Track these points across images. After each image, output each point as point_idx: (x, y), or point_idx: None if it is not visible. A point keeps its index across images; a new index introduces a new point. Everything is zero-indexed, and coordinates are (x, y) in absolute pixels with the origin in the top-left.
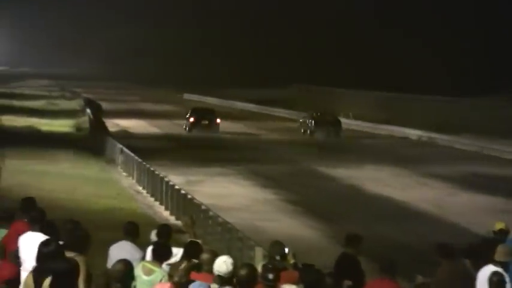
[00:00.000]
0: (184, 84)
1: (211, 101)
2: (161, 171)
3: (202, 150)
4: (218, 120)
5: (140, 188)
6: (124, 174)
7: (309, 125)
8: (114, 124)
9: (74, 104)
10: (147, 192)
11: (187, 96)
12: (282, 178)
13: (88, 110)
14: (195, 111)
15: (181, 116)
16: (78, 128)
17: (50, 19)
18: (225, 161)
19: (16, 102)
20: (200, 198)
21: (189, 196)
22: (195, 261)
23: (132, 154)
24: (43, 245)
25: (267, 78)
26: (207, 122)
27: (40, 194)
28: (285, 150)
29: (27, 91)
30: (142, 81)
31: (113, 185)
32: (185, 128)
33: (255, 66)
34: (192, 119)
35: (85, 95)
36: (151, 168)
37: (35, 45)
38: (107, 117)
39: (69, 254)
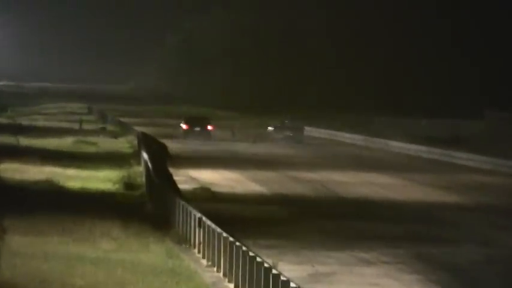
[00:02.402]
0: (299, 108)
1: (351, 139)
2: (267, 258)
3: (336, 220)
4: (210, 127)
5: (231, 286)
6: (204, 262)
7: (272, 133)
8: (188, 177)
9: (122, 144)
10: None
11: (308, 130)
12: (470, 269)
13: (144, 154)
14: (188, 119)
15: (301, 166)
16: (129, 185)
17: (77, 15)
18: (373, 239)
19: (25, 140)
20: None
21: None
22: None
23: (219, 229)
24: None
25: (429, 103)
26: (199, 129)
27: None
28: (473, 222)
29: (43, 121)
30: (229, 104)
31: (186, 280)
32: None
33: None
34: (185, 126)
35: (139, 129)
36: (251, 253)
37: (54, 51)
38: (175, 166)
39: None
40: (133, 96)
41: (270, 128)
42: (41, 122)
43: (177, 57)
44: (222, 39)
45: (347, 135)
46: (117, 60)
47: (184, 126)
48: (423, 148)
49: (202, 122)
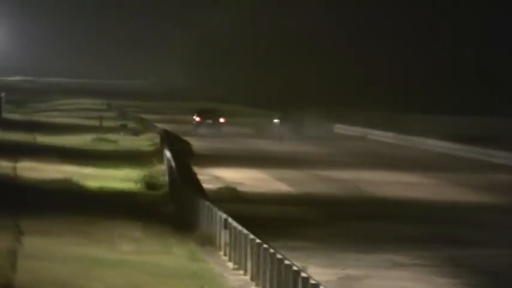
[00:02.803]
0: (331, 105)
1: (380, 137)
2: (296, 261)
3: (366, 221)
4: (222, 120)
5: None
6: (230, 264)
7: (277, 125)
8: (212, 176)
9: (143, 142)
10: None
11: (339, 128)
12: (503, 273)
13: (167, 153)
14: (200, 112)
15: (329, 164)
16: (150, 184)
17: (95, 9)
18: (403, 241)
19: (42, 138)
20: None
21: None
22: None
23: (245, 230)
24: None
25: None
26: (211, 121)
27: None
28: (508, 223)
29: (60, 117)
30: (252, 100)
31: (210, 284)
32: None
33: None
34: (197, 119)
35: (161, 126)
36: (279, 255)
37: (70, 45)
38: (199, 165)
39: None
40: (153, 93)
41: (275, 121)
42: (58, 119)
43: (199, 53)
44: (243, 33)
45: (376, 132)
46: (136, 56)
47: (197, 118)
48: (456, 146)
49: (213, 114)
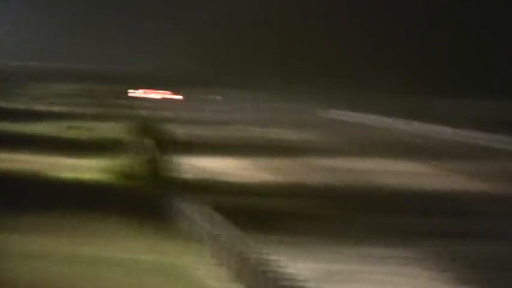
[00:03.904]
0: (327, 91)
1: (382, 122)
2: (281, 256)
3: (358, 213)
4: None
5: None
6: (211, 261)
7: (221, 101)
8: (192, 166)
9: (121, 129)
10: None
11: (334, 114)
12: (496, 268)
13: (145, 141)
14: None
15: (324, 152)
16: (128, 175)
17: None
18: (396, 234)
19: (16, 126)
20: None
21: None
22: None
23: (227, 224)
24: None
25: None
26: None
27: None
28: (508, 215)
29: (37, 104)
30: (248, 82)
31: (189, 283)
32: None
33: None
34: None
35: (142, 112)
36: (262, 250)
37: (61, 27)
38: (180, 153)
39: None
40: (156, 77)
41: (218, 98)
42: (35, 105)
43: (205, 36)
44: (258, 15)
45: (373, 117)
46: (139, 39)
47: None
48: (465, 132)
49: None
